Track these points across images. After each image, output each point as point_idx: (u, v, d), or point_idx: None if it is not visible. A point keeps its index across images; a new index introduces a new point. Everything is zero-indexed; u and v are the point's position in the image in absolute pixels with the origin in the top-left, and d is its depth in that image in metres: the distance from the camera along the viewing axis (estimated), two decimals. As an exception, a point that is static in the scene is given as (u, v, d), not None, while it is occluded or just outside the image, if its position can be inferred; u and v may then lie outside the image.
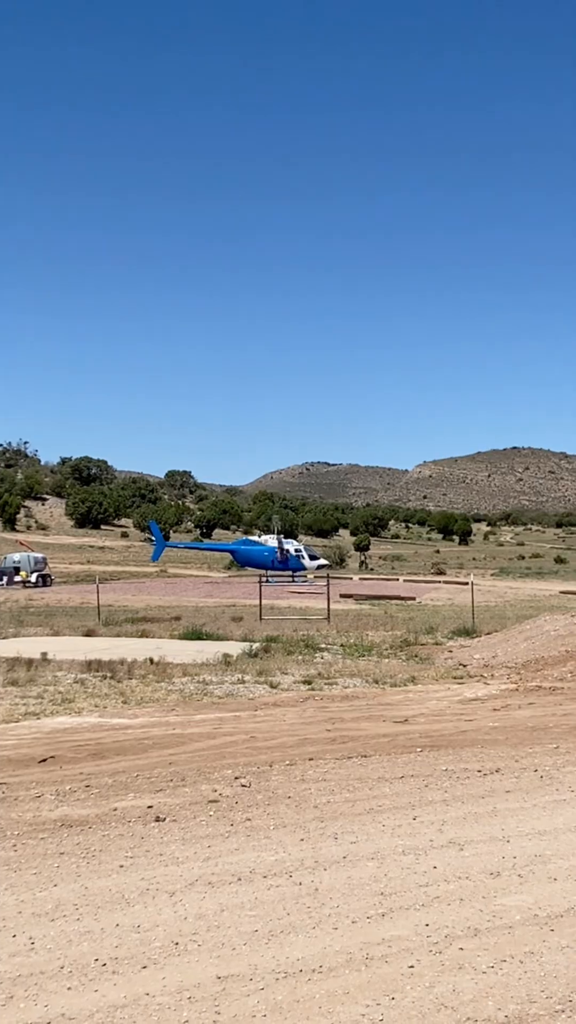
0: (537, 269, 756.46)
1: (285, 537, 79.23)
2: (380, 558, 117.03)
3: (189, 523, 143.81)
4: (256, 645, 24.42)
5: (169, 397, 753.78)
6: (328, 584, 39.76)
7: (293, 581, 68.63)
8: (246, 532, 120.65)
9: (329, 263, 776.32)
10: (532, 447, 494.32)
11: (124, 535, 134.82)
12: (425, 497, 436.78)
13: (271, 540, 74.40)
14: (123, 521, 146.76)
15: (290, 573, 71.36)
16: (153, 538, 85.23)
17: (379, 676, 19.48)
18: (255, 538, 79.65)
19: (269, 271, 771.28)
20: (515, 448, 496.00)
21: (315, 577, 69.67)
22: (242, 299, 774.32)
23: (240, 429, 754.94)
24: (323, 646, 25.36)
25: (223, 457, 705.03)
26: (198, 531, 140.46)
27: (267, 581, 54.31)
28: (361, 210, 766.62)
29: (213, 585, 63.94)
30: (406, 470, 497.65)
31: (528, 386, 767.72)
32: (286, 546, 72.80)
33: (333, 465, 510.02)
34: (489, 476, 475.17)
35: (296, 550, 73.16)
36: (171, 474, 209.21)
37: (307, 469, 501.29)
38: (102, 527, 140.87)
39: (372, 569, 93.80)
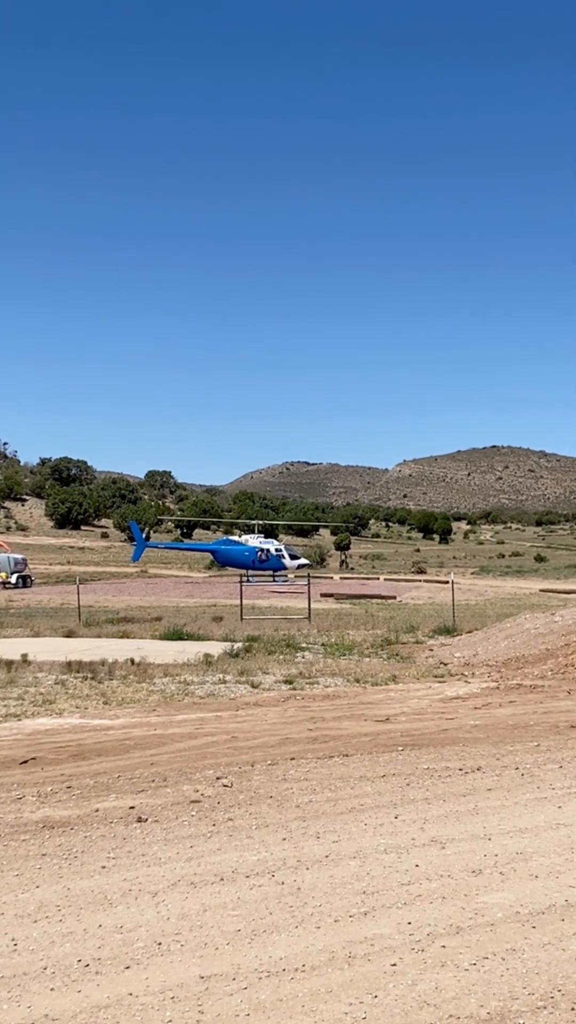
0: (518, 270, 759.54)
1: (265, 537, 79.19)
2: (361, 557, 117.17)
3: (169, 523, 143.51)
4: (237, 645, 24.42)
5: (149, 397, 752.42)
6: (309, 583, 39.82)
7: (274, 581, 68.58)
8: (226, 532, 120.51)
9: (310, 265, 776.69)
10: (512, 446, 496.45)
11: (104, 535, 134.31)
12: (405, 496, 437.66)
13: (252, 540, 74.32)
14: (103, 522, 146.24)
15: (271, 573, 71.33)
16: (133, 538, 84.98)
17: (360, 675, 19.51)
18: (235, 538, 79.47)
19: (249, 272, 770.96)
20: (495, 447, 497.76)
21: (296, 577, 69.70)
22: (223, 300, 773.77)
23: (220, 429, 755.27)
24: (304, 645, 25.38)
25: (203, 457, 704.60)
26: (178, 531, 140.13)
27: (248, 581, 54.27)
28: (342, 212, 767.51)
29: (194, 585, 63.87)
30: (386, 469, 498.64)
31: (508, 385, 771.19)
32: (266, 546, 72.77)
33: (313, 464, 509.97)
34: (469, 475, 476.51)
35: (277, 550, 73.13)
36: (151, 474, 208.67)
37: (287, 468, 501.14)
38: (82, 528, 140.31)
39: (353, 568, 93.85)
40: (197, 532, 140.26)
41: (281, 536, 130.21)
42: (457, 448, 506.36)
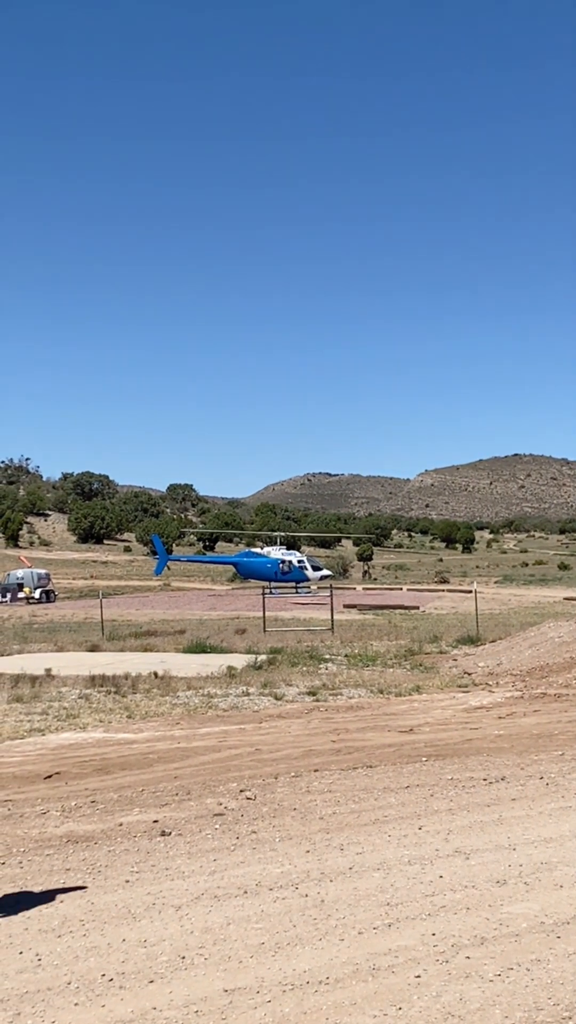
0: (536, 276, 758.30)
1: (287, 548, 79.19)
2: (383, 568, 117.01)
3: (192, 536, 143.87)
4: (260, 657, 24.43)
5: (170, 411, 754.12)
6: (331, 595, 39.77)
7: (296, 592, 68.57)
8: (248, 544, 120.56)
9: (328, 274, 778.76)
10: (534, 454, 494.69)
11: (127, 549, 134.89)
12: (427, 506, 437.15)
13: (274, 552, 74.32)
14: (126, 536, 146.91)
15: (293, 584, 71.28)
16: (156, 552, 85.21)
17: (384, 686, 19.47)
18: (258, 550, 79.50)
19: (268, 284, 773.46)
20: (517, 455, 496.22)
21: (318, 588, 69.64)
22: (242, 311, 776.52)
23: (241, 441, 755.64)
24: (327, 657, 25.34)
25: (225, 470, 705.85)
26: (200, 544, 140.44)
27: (270, 593, 54.29)
28: (358, 221, 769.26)
29: (216, 598, 63.93)
30: (408, 479, 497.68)
31: (529, 393, 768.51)
32: (288, 557, 72.76)
33: (334, 475, 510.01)
34: (491, 484, 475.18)
35: (299, 561, 73.08)
36: (173, 488, 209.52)
37: (308, 480, 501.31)
38: (105, 542, 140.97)
39: (375, 579, 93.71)
40: (219, 545, 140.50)
41: (303, 547, 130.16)
42: (479, 457, 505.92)
